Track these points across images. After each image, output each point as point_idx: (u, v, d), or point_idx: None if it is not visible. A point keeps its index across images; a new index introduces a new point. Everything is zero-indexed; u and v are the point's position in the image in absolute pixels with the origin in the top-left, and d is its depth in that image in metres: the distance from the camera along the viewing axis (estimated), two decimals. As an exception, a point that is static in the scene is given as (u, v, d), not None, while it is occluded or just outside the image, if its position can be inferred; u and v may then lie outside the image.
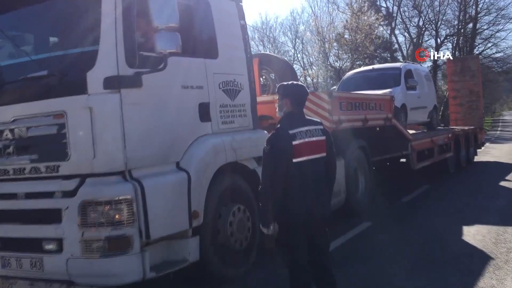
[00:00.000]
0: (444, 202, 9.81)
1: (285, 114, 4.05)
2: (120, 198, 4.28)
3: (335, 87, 14.47)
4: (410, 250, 6.42)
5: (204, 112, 5.24)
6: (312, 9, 48.36)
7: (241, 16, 6.03)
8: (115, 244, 4.28)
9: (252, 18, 58.25)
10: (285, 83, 4.25)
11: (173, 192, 4.70)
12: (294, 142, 3.82)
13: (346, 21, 34.55)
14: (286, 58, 13.75)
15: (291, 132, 3.84)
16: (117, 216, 4.28)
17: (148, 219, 4.38)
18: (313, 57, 38.45)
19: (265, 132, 5.95)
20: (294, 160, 3.82)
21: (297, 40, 40.01)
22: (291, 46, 40.18)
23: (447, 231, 7.34)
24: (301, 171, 3.85)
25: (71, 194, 4.38)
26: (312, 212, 3.90)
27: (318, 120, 4.22)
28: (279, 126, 3.97)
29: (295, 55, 39.87)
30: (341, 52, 35.78)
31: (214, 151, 5.21)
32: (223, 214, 5.34)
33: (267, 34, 40.58)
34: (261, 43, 39.85)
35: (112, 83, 4.33)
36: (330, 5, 37.04)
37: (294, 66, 38.43)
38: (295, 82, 4.36)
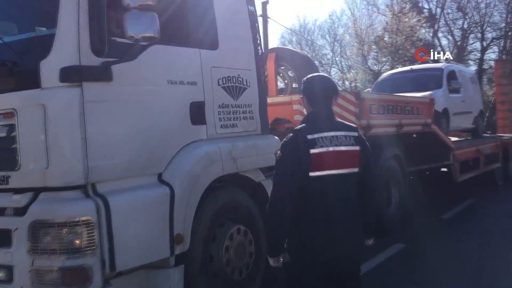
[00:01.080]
0: (491, 221, 8.61)
1: (307, 115, 3.17)
2: (78, 219, 3.41)
3: (369, 89, 13.47)
4: (450, 281, 5.42)
5: (197, 113, 4.34)
6: (351, 12, 47.26)
7: (250, 0, 5.12)
8: (71, 276, 3.40)
9: (290, 20, 57.61)
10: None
11: (149, 212, 3.79)
12: (312, 150, 2.89)
13: (387, 23, 33.39)
14: (308, 55, 12.59)
15: (310, 137, 2.92)
16: (75, 242, 3.41)
17: (113, 246, 3.50)
18: (352, 60, 37.50)
19: (276, 138, 5.04)
20: (311, 174, 2.90)
21: (335, 43, 39.19)
22: (329, 49, 39.36)
23: (495, 259, 6.24)
24: (321, 190, 2.92)
25: (22, 212, 3.55)
26: (335, 248, 2.94)
27: (353, 125, 3.23)
28: (297, 128, 3.07)
29: (333, 58, 39.03)
30: (380, 55, 34.58)
31: (207, 160, 4.29)
32: (218, 236, 4.41)
33: (305, 37, 39.87)
34: (299, 45, 39.13)
35: (71, 75, 3.46)
36: (369, 7, 36.39)
37: (332, 69, 37.86)
38: (311, 75, 3.36)
